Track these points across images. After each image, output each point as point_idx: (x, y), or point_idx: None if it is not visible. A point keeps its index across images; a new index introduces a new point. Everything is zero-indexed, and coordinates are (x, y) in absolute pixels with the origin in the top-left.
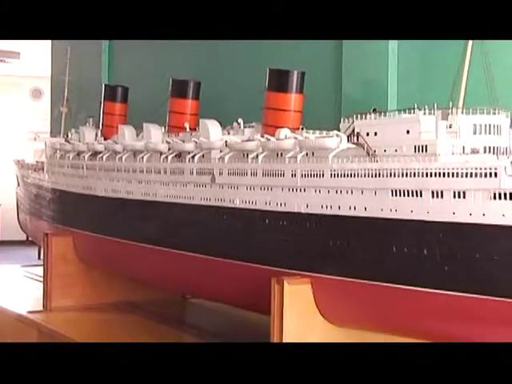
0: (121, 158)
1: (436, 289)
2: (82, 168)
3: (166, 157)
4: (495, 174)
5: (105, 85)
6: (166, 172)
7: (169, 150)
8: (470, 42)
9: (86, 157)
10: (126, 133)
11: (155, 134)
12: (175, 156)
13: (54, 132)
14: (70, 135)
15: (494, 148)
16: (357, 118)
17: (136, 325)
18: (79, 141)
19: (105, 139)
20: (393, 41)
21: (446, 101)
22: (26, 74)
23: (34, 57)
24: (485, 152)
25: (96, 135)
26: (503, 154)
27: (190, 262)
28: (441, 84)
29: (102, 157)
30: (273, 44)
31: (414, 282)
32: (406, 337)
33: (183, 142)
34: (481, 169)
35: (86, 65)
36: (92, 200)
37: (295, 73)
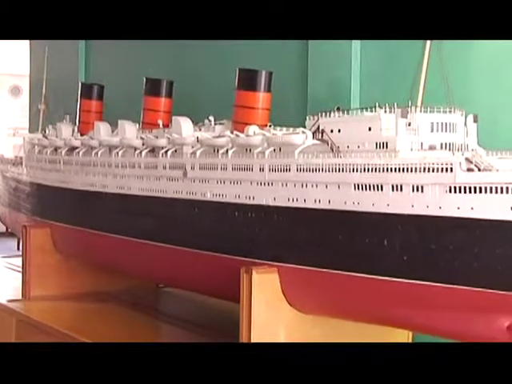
0: (96, 153)
1: (396, 277)
2: (59, 163)
3: (140, 152)
4: (451, 169)
5: (81, 83)
6: (140, 166)
7: (143, 145)
8: (428, 42)
9: (63, 152)
10: (102, 129)
11: (130, 131)
12: (149, 151)
13: (32, 128)
14: (47, 131)
15: (450, 144)
16: (322, 115)
17: (111, 313)
18: (56, 136)
19: (81, 135)
20: (356, 41)
21: (406, 99)
22: (5, 72)
23: (13, 55)
24: (441, 148)
25: (73, 131)
26: (458, 150)
27: (163, 253)
28: (401, 83)
29: (78, 152)
30: (243, 44)
31: (374, 270)
32: (367, 323)
33: (156, 137)
34: (438, 164)
35: (63, 63)
36: (69, 193)
37: (263, 73)
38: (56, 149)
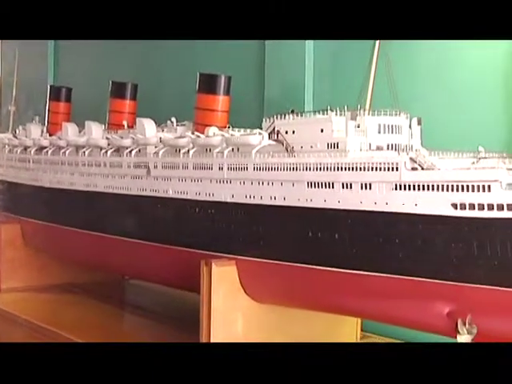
0: (64, 152)
1: (346, 269)
2: (29, 162)
3: (106, 151)
4: (396, 168)
5: (50, 86)
6: (105, 165)
7: (108, 145)
8: (377, 43)
9: (33, 151)
10: (70, 130)
11: (96, 131)
12: (114, 151)
13: (2, 128)
14: (17, 131)
15: (395, 145)
16: (277, 118)
17: (79, 304)
18: (26, 137)
19: (50, 135)
20: (309, 44)
21: (357, 100)
22: None
23: None
24: (388, 149)
25: (42, 132)
26: (403, 150)
27: (128, 247)
28: (353, 84)
29: (47, 151)
30: (204, 48)
31: (326, 262)
32: (319, 311)
33: (121, 138)
34: (384, 164)
35: (33, 67)
36: (38, 191)
37: (222, 77)
38: (26, 148)
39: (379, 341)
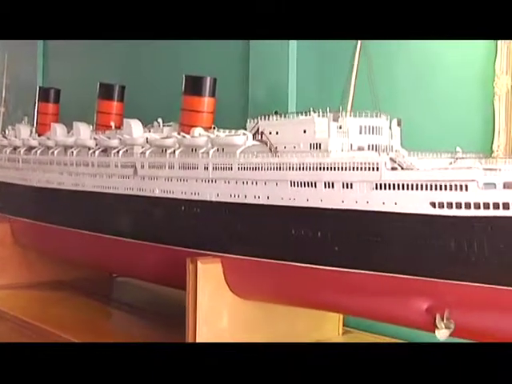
0: (53, 152)
1: (328, 266)
2: (18, 161)
3: (94, 152)
4: (377, 168)
5: (39, 87)
6: (93, 165)
7: (96, 145)
8: (359, 44)
9: (22, 151)
10: (58, 130)
11: (84, 132)
12: (102, 151)
13: None
14: (7, 132)
15: (376, 146)
16: (261, 118)
17: (67, 300)
18: (15, 137)
19: (39, 136)
20: (293, 46)
21: (340, 101)
22: None
23: None
24: (369, 149)
25: (31, 132)
26: (384, 151)
27: (116, 245)
28: (336, 85)
29: (36, 151)
30: (190, 50)
31: (309, 260)
32: (303, 307)
33: (109, 138)
34: (365, 163)
35: (22, 69)
36: (27, 190)
37: (208, 79)
38: (15, 148)
39: (364, 337)
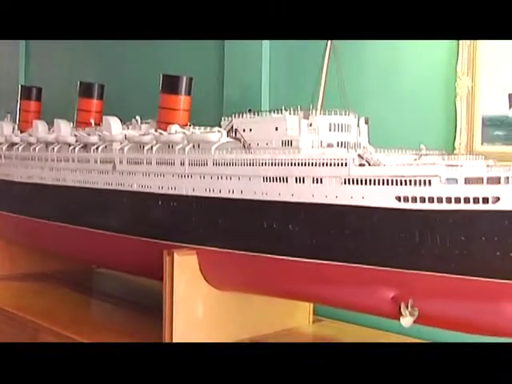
0: (34, 148)
1: (299, 257)
2: (1, 157)
3: (74, 148)
4: (345, 164)
5: (21, 85)
6: (73, 161)
7: (76, 142)
8: (329, 44)
9: (4, 147)
10: (40, 127)
11: (65, 129)
12: (82, 147)
13: None
14: None
15: (345, 143)
16: (235, 116)
17: (49, 291)
18: None
19: (21, 132)
20: (265, 47)
21: (310, 100)
22: None
23: None
24: (338, 146)
25: (13, 129)
26: (352, 147)
27: (96, 238)
28: (307, 85)
29: (18, 147)
30: (168, 50)
31: (281, 252)
32: (276, 297)
33: (89, 135)
34: (334, 160)
35: (4, 67)
36: (10, 185)
37: (184, 78)
38: None
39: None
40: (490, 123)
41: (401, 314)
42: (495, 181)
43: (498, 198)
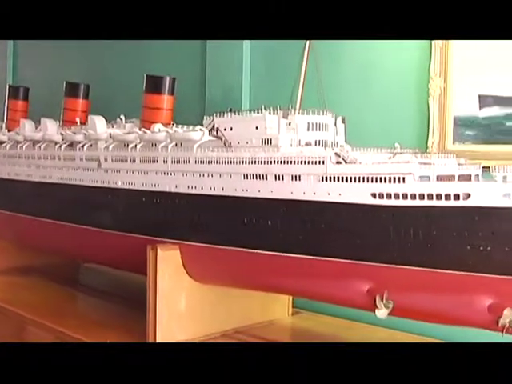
0: (22, 146)
1: (278, 252)
2: None
3: (60, 146)
4: (323, 162)
5: (9, 85)
6: (60, 158)
7: (62, 140)
8: (307, 44)
9: None
10: (27, 126)
11: (51, 127)
12: (68, 145)
13: None
14: None
15: (322, 141)
16: (217, 116)
17: (36, 285)
18: None
19: (8, 131)
20: (246, 47)
21: (289, 100)
22: None
23: None
24: (316, 145)
25: (1, 127)
26: (329, 146)
27: (82, 233)
28: (286, 85)
29: (5, 146)
30: (152, 50)
31: (261, 246)
32: (255, 290)
33: (74, 133)
34: (312, 158)
35: None
36: None
37: (167, 78)
38: None
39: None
40: (461, 123)
41: (376, 306)
42: (466, 178)
43: (469, 195)
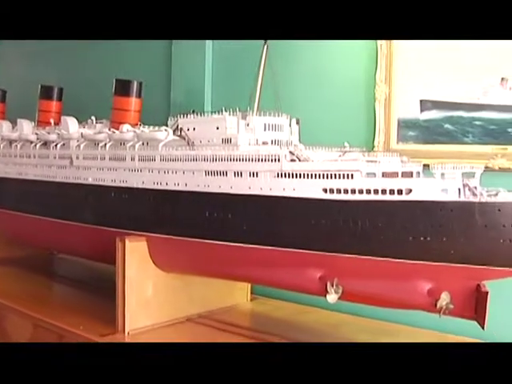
0: None
1: (238, 242)
2: None
3: (35, 145)
4: (278, 160)
5: None
6: (35, 157)
7: (37, 139)
8: (265, 47)
9: None
10: (4, 126)
11: (27, 127)
12: (42, 144)
13: None
14: None
15: (278, 141)
16: (180, 117)
17: (13, 275)
18: None
19: None
20: (208, 50)
21: (248, 102)
22: None
23: None
24: (272, 144)
25: None
26: (284, 145)
27: (55, 227)
28: (245, 88)
29: None
30: (121, 56)
31: (221, 238)
32: (217, 278)
33: (48, 133)
34: (269, 156)
35: None
36: None
37: (135, 82)
38: None
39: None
40: (404, 125)
41: (327, 291)
42: (408, 175)
43: (411, 190)
